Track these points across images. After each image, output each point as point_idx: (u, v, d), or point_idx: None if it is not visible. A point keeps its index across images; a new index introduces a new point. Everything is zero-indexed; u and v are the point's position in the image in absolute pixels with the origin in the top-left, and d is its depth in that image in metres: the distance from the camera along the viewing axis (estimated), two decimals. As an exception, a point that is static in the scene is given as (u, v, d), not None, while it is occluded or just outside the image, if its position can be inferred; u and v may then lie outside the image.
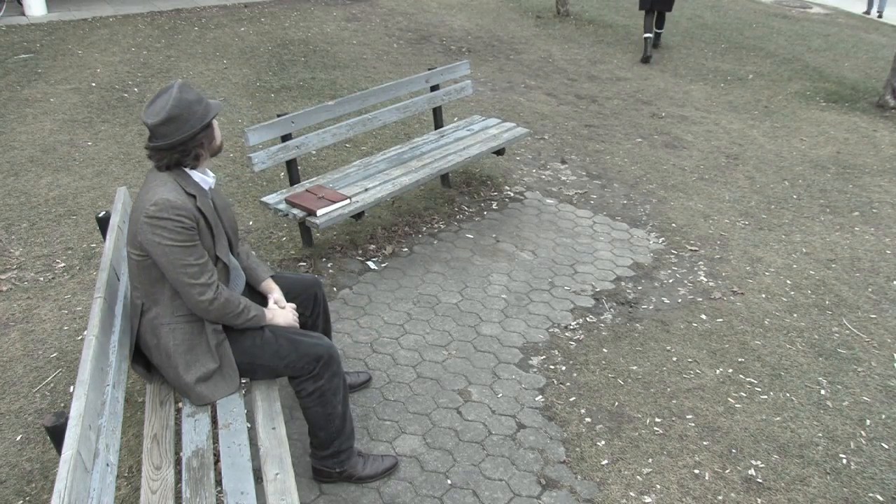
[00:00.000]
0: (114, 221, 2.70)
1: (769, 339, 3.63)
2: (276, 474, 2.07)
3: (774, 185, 5.45)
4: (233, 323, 2.28)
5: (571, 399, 3.13)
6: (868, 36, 10.77)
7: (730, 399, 3.19)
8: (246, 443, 2.19)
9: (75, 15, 8.83)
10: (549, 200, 4.98)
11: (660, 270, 4.20)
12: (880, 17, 12.45)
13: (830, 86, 8.03)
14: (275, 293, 2.58)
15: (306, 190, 3.89)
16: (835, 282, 4.18)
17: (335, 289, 3.82)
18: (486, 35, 9.23)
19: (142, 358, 2.40)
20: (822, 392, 3.27)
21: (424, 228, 4.49)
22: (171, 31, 8.30)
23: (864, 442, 2.99)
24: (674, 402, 3.15)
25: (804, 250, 4.51)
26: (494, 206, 4.85)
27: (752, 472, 2.80)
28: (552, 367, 3.33)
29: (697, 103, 7.26)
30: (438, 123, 5.06)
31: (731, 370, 3.38)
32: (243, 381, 2.50)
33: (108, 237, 2.65)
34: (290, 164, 4.03)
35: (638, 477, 2.75)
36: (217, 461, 2.49)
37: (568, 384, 3.22)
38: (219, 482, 2.34)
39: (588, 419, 3.02)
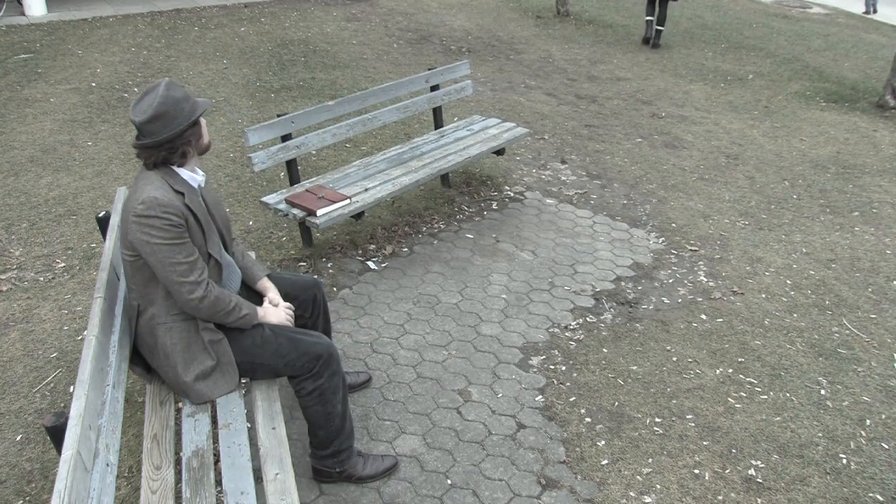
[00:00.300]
0: (114, 221, 2.70)
1: (769, 339, 3.63)
2: (276, 474, 2.07)
3: (774, 185, 5.45)
4: (224, 321, 2.27)
5: (571, 399, 3.13)
6: (868, 36, 10.78)
7: (730, 399, 3.19)
8: (246, 443, 2.19)
9: (75, 15, 8.83)
10: (549, 200, 4.98)
11: (660, 270, 4.20)
12: (871, 13, 12.53)
13: (830, 86, 8.03)
14: (270, 292, 2.58)
15: (306, 190, 3.89)
16: (835, 282, 4.18)
17: (335, 289, 3.82)
18: (486, 35, 9.23)
19: (140, 359, 2.40)
20: (822, 392, 3.27)
21: (424, 228, 4.49)
22: (171, 31, 8.30)
23: (864, 442, 2.99)
24: (674, 402, 3.15)
25: (804, 250, 4.51)
26: (494, 206, 4.85)
27: (752, 472, 2.80)
28: (552, 367, 3.33)
29: (697, 103, 7.26)
30: (438, 123, 5.06)
31: (731, 370, 3.38)
32: (243, 381, 2.49)
33: (108, 237, 2.65)
34: (290, 164, 4.03)
35: (638, 477, 2.75)
36: (217, 461, 2.49)
37: (568, 384, 3.22)
38: (219, 482, 2.33)
39: (588, 419, 3.02)
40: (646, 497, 2.66)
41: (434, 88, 4.88)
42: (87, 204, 4.50)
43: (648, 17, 9.11)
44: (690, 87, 7.79)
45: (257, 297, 2.61)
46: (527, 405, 3.08)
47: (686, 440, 2.94)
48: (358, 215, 3.88)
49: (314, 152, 5.42)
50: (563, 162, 5.61)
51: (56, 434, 1.82)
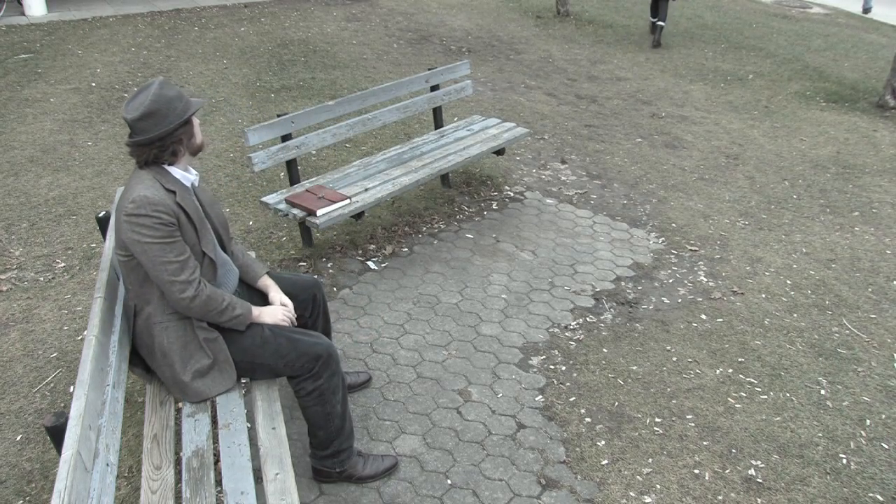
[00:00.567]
0: (113, 221, 2.70)
1: (769, 339, 3.63)
2: (276, 474, 2.07)
3: (774, 185, 5.45)
4: (217, 320, 2.27)
5: (571, 399, 3.13)
6: (868, 36, 10.78)
7: (730, 399, 3.19)
8: (246, 443, 2.19)
9: (75, 15, 8.83)
10: (549, 200, 4.98)
11: (660, 270, 4.20)
12: (867, 12, 12.60)
13: (830, 86, 8.03)
14: (272, 291, 2.58)
15: (306, 190, 3.89)
16: (835, 282, 4.18)
17: (335, 289, 3.82)
18: (486, 35, 9.23)
19: (140, 360, 2.40)
20: (822, 392, 3.27)
21: (424, 228, 4.49)
22: (171, 31, 8.30)
23: (864, 442, 2.99)
24: (674, 402, 3.15)
25: (804, 250, 4.51)
26: (494, 206, 4.85)
27: (752, 472, 2.80)
28: (552, 367, 3.33)
29: (697, 103, 7.26)
30: (438, 123, 5.06)
31: (731, 370, 3.38)
32: (243, 381, 2.49)
33: (108, 237, 2.66)
34: (290, 164, 4.03)
35: (638, 477, 2.75)
36: (217, 461, 2.49)
37: (568, 384, 3.22)
38: (219, 482, 2.33)
39: (588, 419, 3.02)
40: (646, 497, 2.66)
41: (434, 88, 4.88)
42: (87, 204, 4.50)
43: (653, 20, 9.35)
44: (690, 87, 7.79)
45: (259, 296, 2.61)
46: (527, 405, 3.08)
47: (686, 440, 2.94)
48: (358, 215, 3.88)
49: (314, 152, 5.42)
50: (563, 162, 5.61)
51: (56, 434, 1.82)
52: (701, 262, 4.30)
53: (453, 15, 10.13)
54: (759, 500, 2.67)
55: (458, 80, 6.92)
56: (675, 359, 3.44)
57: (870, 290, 4.12)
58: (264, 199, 3.84)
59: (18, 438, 2.76)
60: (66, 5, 9.38)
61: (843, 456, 2.91)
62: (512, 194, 5.03)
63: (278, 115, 3.93)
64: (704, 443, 2.93)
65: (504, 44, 8.93)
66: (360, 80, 7.04)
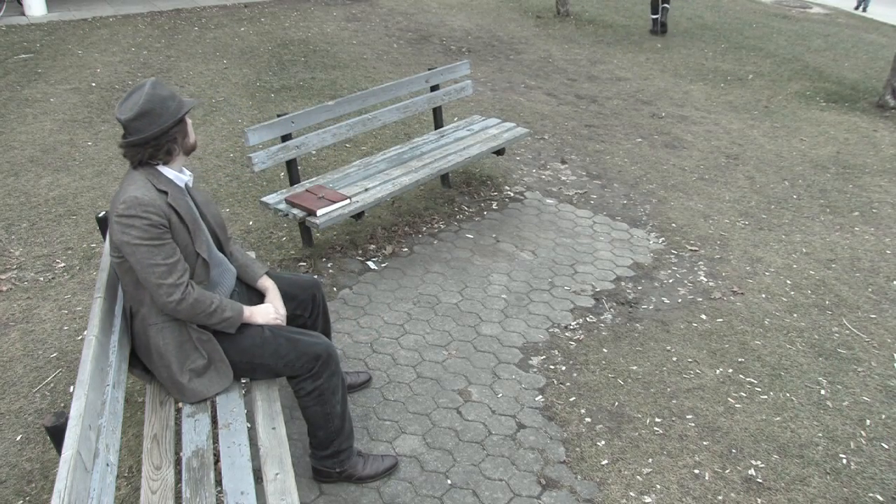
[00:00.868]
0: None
1: (769, 339, 3.63)
2: (276, 474, 2.07)
3: (774, 185, 5.45)
4: (206, 323, 2.26)
5: (571, 399, 3.13)
6: (868, 36, 10.78)
7: (730, 399, 3.19)
8: (246, 443, 2.19)
9: (75, 15, 8.83)
10: (549, 200, 4.98)
11: (660, 270, 4.20)
12: (864, 9, 12.70)
13: (830, 86, 8.03)
14: (270, 293, 2.57)
15: (306, 190, 3.89)
16: (835, 282, 4.18)
17: (335, 289, 3.82)
18: (486, 35, 9.24)
19: (139, 361, 2.40)
20: (822, 392, 3.27)
21: (424, 228, 4.49)
22: (171, 31, 8.30)
23: (864, 442, 2.99)
24: (674, 402, 3.15)
25: (804, 250, 4.51)
26: (494, 206, 4.85)
27: (752, 472, 2.80)
28: (552, 367, 3.33)
29: (697, 103, 7.26)
30: (438, 123, 5.06)
31: (731, 370, 3.38)
32: (243, 381, 2.49)
33: (107, 237, 2.65)
34: (290, 164, 4.03)
35: (638, 477, 2.75)
36: (217, 461, 2.49)
37: (568, 384, 3.22)
38: (219, 482, 2.33)
39: (588, 419, 3.02)
40: (646, 497, 2.66)
41: (434, 88, 4.88)
42: (87, 204, 4.50)
43: (654, 17, 9.66)
44: (690, 87, 7.79)
45: (258, 296, 2.61)
46: (527, 405, 3.08)
47: (686, 440, 2.94)
48: (358, 215, 3.88)
49: (314, 152, 5.42)
50: (563, 162, 5.61)
51: (56, 434, 1.82)
52: (701, 262, 4.30)
53: (453, 15, 10.13)
54: (759, 500, 2.67)
55: (458, 80, 6.92)
56: (675, 359, 3.44)
57: (870, 290, 4.12)
58: (264, 199, 3.84)
59: (18, 438, 2.76)
60: (66, 5, 9.38)
61: (843, 456, 2.91)
62: (512, 194, 5.03)
63: (278, 115, 3.93)
64: (704, 443, 2.93)
65: (504, 44, 8.93)
66: (360, 80, 7.04)
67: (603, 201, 5.03)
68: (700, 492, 2.69)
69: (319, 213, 3.66)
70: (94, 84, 6.51)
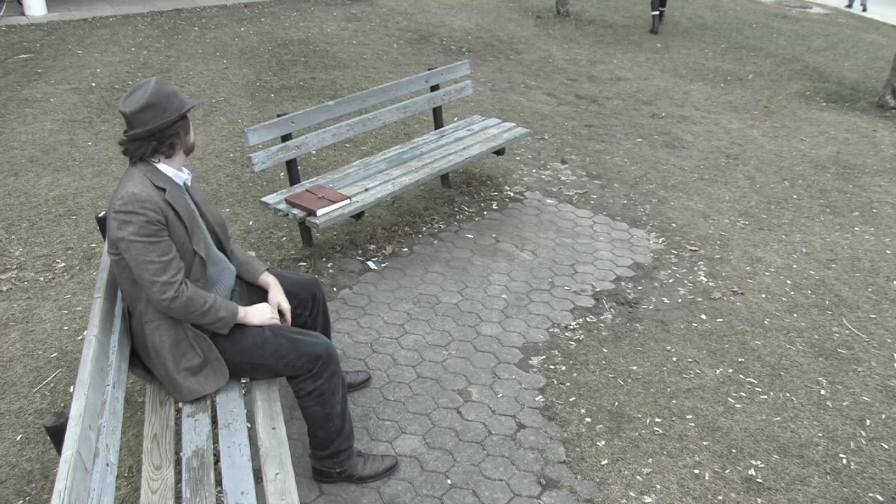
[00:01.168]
0: (112, 221, 2.70)
1: (769, 339, 3.63)
2: (276, 474, 2.07)
3: (774, 185, 5.45)
4: (199, 322, 2.26)
5: (571, 399, 3.13)
6: (868, 36, 10.78)
7: (730, 399, 3.19)
8: (246, 443, 2.19)
9: (75, 15, 8.83)
10: (549, 200, 4.98)
11: (660, 270, 4.20)
12: (851, 6, 12.76)
13: (830, 86, 8.03)
14: (272, 289, 2.58)
15: (306, 190, 3.89)
16: (835, 282, 4.18)
17: (335, 289, 3.82)
18: (486, 35, 9.23)
19: (139, 360, 2.41)
20: (822, 392, 3.27)
21: (424, 228, 4.49)
22: (171, 31, 8.30)
23: (864, 442, 2.99)
24: (674, 402, 3.15)
25: (804, 250, 4.51)
26: (494, 206, 4.85)
27: (752, 472, 2.80)
28: (552, 367, 3.33)
29: (697, 103, 7.26)
30: (438, 123, 5.06)
31: (731, 370, 3.38)
32: (243, 381, 2.49)
33: (107, 237, 2.65)
34: (290, 164, 4.03)
35: (638, 477, 2.75)
36: (217, 461, 2.49)
37: (568, 384, 3.22)
38: (219, 482, 2.33)
39: (588, 419, 3.02)
40: (646, 497, 2.66)
41: (434, 88, 4.88)
42: (87, 204, 4.50)
43: (655, 13, 9.85)
44: (690, 87, 7.79)
45: (259, 294, 2.61)
46: (527, 405, 3.08)
47: (686, 440, 2.94)
48: (358, 215, 3.88)
49: (314, 152, 5.42)
50: (563, 162, 5.61)
51: (56, 434, 1.82)
52: (701, 262, 4.30)
53: (453, 15, 10.13)
54: (759, 500, 2.67)
55: (458, 80, 6.92)
56: (675, 359, 3.44)
57: (870, 290, 4.12)
58: (264, 199, 3.84)
59: (18, 438, 2.76)
60: (66, 5, 9.38)
61: (843, 456, 2.91)
62: (512, 194, 5.03)
63: (278, 115, 3.93)
64: (704, 443, 2.93)
65: (504, 44, 8.93)
66: (360, 80, 7.04)
67: (603, 201, 5.03)
68: (700, 492, 2.69)
69: (319, 213, 3.66)
70: (94, 84, 6.51)
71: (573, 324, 3.66)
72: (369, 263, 4.07)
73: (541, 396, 3.14)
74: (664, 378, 3.30)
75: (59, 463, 1.64)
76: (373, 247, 4.23)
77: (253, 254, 2.97)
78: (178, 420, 2.63)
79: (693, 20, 10.96)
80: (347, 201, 3.81)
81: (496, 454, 2.81)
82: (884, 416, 3.14)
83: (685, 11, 11.52)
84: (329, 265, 4.02)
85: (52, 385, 3.03)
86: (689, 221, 4.80)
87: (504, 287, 3.95)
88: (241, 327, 2.37)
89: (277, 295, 2.56)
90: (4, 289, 3.66)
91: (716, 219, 4.85)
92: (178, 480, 2.42)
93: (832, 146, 6.28)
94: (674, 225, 4.74)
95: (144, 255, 2.12)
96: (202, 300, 2.23)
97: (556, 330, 3.60)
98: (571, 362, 3.37)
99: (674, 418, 3.05)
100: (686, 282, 4.09)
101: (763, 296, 3.99)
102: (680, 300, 3.91)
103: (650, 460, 2.83)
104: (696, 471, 2.79)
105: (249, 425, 2.67)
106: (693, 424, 3.02)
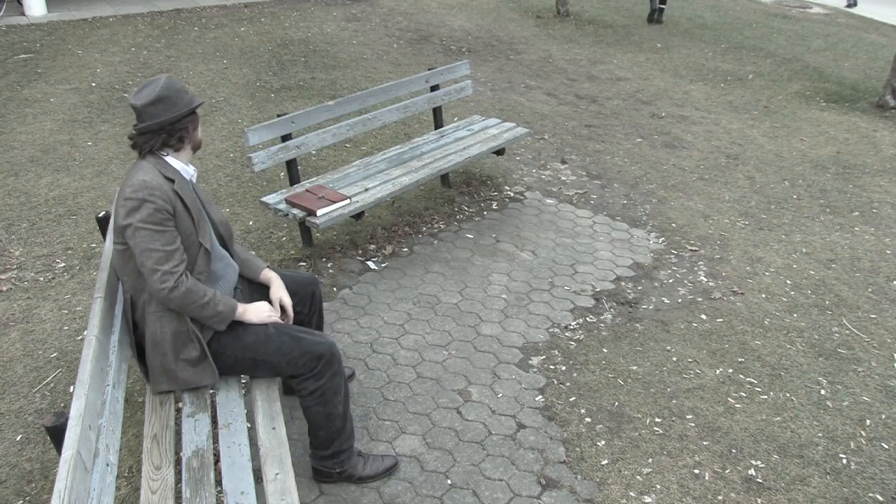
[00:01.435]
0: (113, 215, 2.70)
1: (769, 339, 3.63)
2: (276, 474, 2.07)
3: (774, 185, 5.45)
4: (198, 315, 2.25)
5: (571, 399, 3.13)
6: (868, 36, 10.78)
7: (730, 399, 3.19)
8: (246, 443, 2.19)
9: (75, 15, 8.83)
10: (549, 200, 4.98)
11: (660, 270, 4.20)
12: (850, 6, 12.80)
13: (830, 86, 8.03)
14: (274, 285, 2.58)
15: (306, 190, 3.89)
16: (835, 282, 4.18)
17: (335, 289, 3.82)
18: (486, 35, 9.23)
19: (142, 356, 2.41)
20: (822, 392, 3.27)
21: (424, 228, 4.49)
22: (171, 31, 8.30)
23: (864, 442, 2.99)
24: (674, 402, 3.15)
25: (804, 250, 4.51)
26: (494, 206, 4.85)
27: (752, 472, 2.80)
28: (552, 367, 3.33)
29: (697, 103, 7.26)
30: (438, 123, 5.06)
31: (731, 370, 3.38)
32: (243, 381, 2.49)
33: (108, 237, 2.65)
34: (290, 164, 4.03)
35: (638, 477, 2.75)
36: (217, 461, 2.49)
37: (568, 384, 3.22)
38: (219, 482, 2.33)
39: (588, 419, 3.02)
40: (646, 497, 2.66)
41: (434, 88, 4.88)
42: (87, 204, 4.50)
43: (655, 8, 10.22)
44: (690, 87, 7.79)
45: (260, 291, 2.61)
46: (527, 405, 3.08)
47: (686, 440, 2.94)
48: (358, 215, 3.88)
49: (314, 152, 5.42)
50: (563, 162, 5.61)
51: (56, 434, 1.82)
52: (701, 262, 4.30)
53: (453, 15, 10.13)
54: (759, 500, 2.67)
55: (458, 80, 6.92)
56: (675, 359, 3.44)
57: (870, 290, 4.12)
58: (264, 199, 3.84)
59: (18, 438, 2.76)
60: (66, 5, 9.38)
61: (843, 456, 2.91)
62: (512, 194, 5.03)
63: (278, 115, 3.93)
64: (704, 443, 2.93)
65: (504, 44, 8.93)
66: (360, 80, 7.04)
67: (603, 201, 5.03)
68: (700, 492, 2.69)
69: (319, 213, 3.66)
70: (94, 84, 6.51)
71: (573, 324, 3.66)
72: (369, 263, 4.07)
73: (541, 396, 3.14)
74: (664, 378, 3.30)
75: (59, 463, 1.64)
76: (373, 247, 4.23)
77: (253, 254, 2.97)
78: (178, 420, 2.63)
79: (693, 20, 10.96)
80: (347, 201, 3.81)
81: (496, 454, 2.81)
82: (884, 416, 3.14)
83: (685, 11, 11.52)
84: (329, 265, 4.02)
85: (52, 385, 3.03)
86: (689, 221, 4.80)
87: (504, 287, 3.95)
88: (244, 323, 2.37)
89: (279, 291, 2.57)
90: (4, 289, 3.66)
91: (716, 219, 4.85)
92: (178, 480, 2.42)
93: (832, 146, 6.28)
94: (674, 225, 4.74)
95: (149, 242, 2.14)
96: (201, 293, 2.24)
97: (556, 330, 3.60)
98: (571, 362, 3.37)
99: (674, 418, 3.05)
100: (686, 282, 4.09)
101: (763, 296, 3.99)
102: (680, 300, 3.91)
103: (650, 460, 2.83)
104: (696, 471, 2.79)
105: (249, 425, 2.67)
106: (693, 424, 3.02)
